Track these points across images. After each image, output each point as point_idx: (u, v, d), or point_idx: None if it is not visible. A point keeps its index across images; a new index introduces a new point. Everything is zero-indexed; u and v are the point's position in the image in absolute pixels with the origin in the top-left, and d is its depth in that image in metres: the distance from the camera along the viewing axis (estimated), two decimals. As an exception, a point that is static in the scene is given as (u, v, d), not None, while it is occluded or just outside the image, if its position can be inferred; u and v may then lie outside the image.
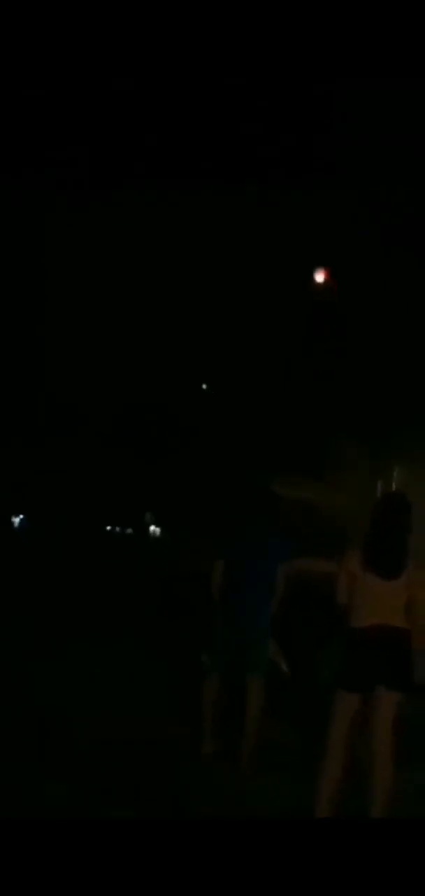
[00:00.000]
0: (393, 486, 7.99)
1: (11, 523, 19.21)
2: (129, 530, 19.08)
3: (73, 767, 4.03)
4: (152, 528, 19.18)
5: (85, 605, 7.86)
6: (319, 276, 12.12)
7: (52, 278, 12.99)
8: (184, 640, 6.14)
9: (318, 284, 12.08)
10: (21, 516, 19.14)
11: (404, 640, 3.75)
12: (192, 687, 4.90)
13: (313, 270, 11.95)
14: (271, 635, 4.86)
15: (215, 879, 2.40)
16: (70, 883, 2.32)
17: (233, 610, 4.68)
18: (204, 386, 16.34)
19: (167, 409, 16.04)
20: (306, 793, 3.82)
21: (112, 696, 5.21)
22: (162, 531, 18.78)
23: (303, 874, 2.45)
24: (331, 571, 4.11)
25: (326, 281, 12.07)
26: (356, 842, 2.65)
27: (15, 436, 15.70)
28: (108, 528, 18.94)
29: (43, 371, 14.73)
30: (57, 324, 13.65)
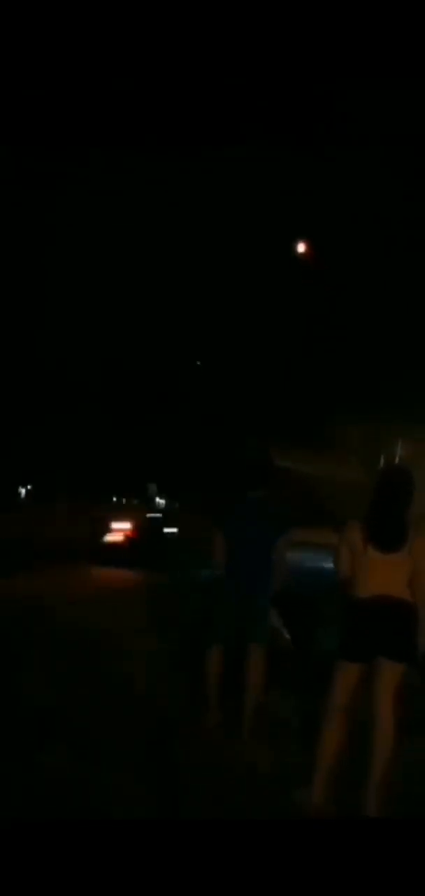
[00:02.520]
0: (397, 460, 7.98)
1: (18, 494, 19.30)
2: (135, 501, 19.21)
3: (73, 734, 4.05)
4: (157, 498, 19.34)
5: (87, 574, 7.93)
6: (301, 247, 12.07)
7: (50, 254, 12.96)
8: (186, 611, 6.19)
9: (306, 253, 12.00)
10: (28, 486, 19.27)
11: (406, 612, 3.74)
12: (194, 657, 4.94)
13: (300, 239, 11.89)
14: (273, 606, 4.89)
15: (215, 880, 2.43)
16: (70, 883, 2.36)
17: (235, 582, 4.70)
18: (198, 363, 16.35)
19: (167, 383, 16.05)
20: (306, 760, 3.86)
21: (111, 664, 5.24)
22: (166, 501, 18.91)
23: (302, 874, 2.47)
24: (330, 543, 4.11)
25: (308, 251, 12.01)
26: (356, 842, 2.66)
27: (19, 408, 15.75)
28: (114, 498, 19.08)
29: (44, 345, 14.76)
30: (55, 297, 13.65)
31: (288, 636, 5.19)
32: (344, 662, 3.81)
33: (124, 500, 19.03)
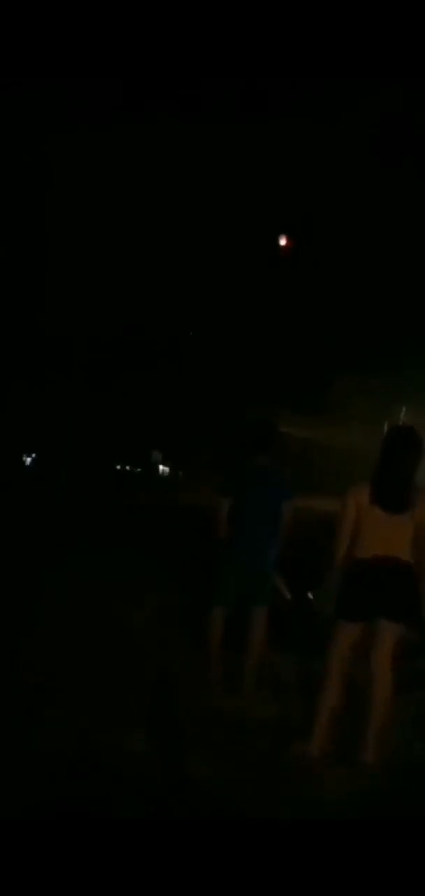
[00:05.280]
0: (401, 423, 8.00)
1: (23, 462, 19.38)
2: (139, 469, 19.29)
3: (76, 688, 4.13)
4: (161, 466, 19.39)
5: (93, 537, 8.02)
6: (283, 241, 12.10)
7: (52, 215, 12.89)
8: (189, 572, 6.28)
9: (287, 246, 12.00)
10: (33, 455, 19.31)
11: (407, 573, 3.79)
12: (196, 616, 5.02)
13: (283, 233, 11.92)
14: (276, 569, 4.96)
15: (215, 879, 2.49)
16: (70, 882, 2.42)
17: (239, 545, 4.77)
18: (190, 333, 16.35)
19: (169, 350, 16.05)
20: (305, 715, 3.95)
21: (113, 620, 5.33)
22: (170, 469, 18.98)
23: (302, 874, 2.53)
24: (332, 508, 4.15)
25: (289, 244, 12.01)
26: (356, 842, 2.73)
27: (22, 375, 15.79)
28: (118, 467, 19.17)
29: (46, 310, 14.73)
30: (57, 264, 13.62)
31: (289, 596, 5.27)
32: (344, 621, 3.88)
33: (127, 468, 19.09)
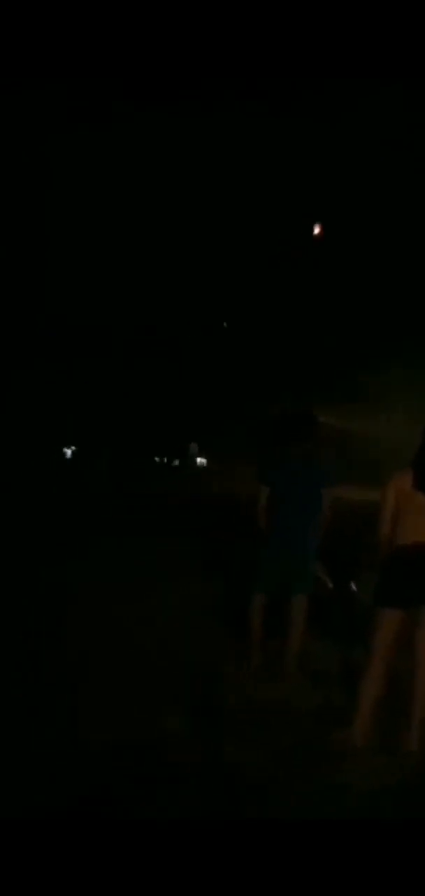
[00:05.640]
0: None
1: (64, 454, 19.58)
2: (176, 462, 19.35)
3: (118, 674, 4.17)
4: (198, 459, 19.42)
5: (132, 526, 8.08)
6: (316, 229, 11.98)
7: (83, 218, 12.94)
8: (230, 560, 6.28)
9: (320, 234, 11.87)
10: (73, 447, 19.53)
11: None
12: (236, 604, 5.03)
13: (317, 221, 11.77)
14: (317, 557, 4.94)
15: (215, 879, 2.50)
16: (72, 882, 2.45)
17: (279, 534, 4.77)
18: (224, 324, 16.27)
19: (204, 342, 16.03)
20: (347, 704, 3.93)
21: (158, 608, 5.37)
22: (208, 461, 18.99)
23: (303, 874, 2.53)
24: (372, 499, 4.10)
25: (321, 232, 11.87)
26: (356, 842, 2.71)
27: (60, 369, 15.96)
28: (156, 458, 19.27)
29: (75, 309, 14.83)
30: (90, 255, 13.68)
31: (331, 585, 5.24)
32: (385, 609, 3.85)
33: (165, 461, 19.16)
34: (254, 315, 15.13)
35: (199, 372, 16.40)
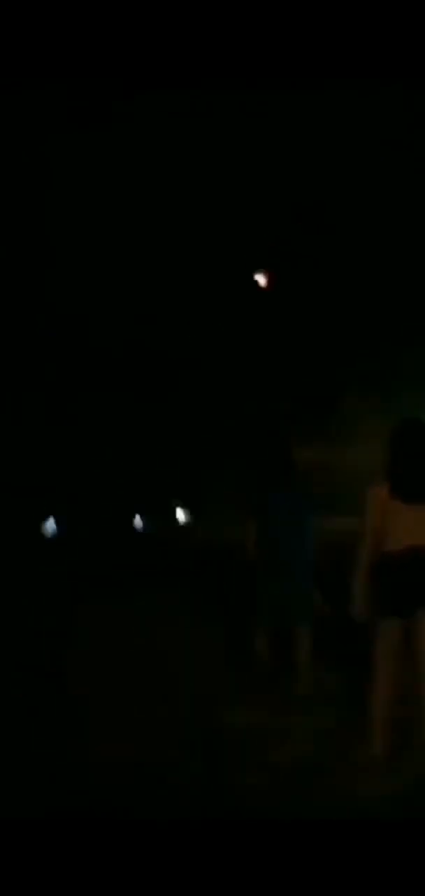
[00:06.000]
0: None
1: (42, 532, 18.45)
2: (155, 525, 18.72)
3: (123, 711, 4.20)
4: (181, 516, 18.92)
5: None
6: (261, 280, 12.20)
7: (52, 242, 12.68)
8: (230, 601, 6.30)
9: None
10: (51, 519, 18.69)
11: None
12: (240, 642, 5.10)
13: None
14: (315, 586, 5.06)
15: (214, 879, 2.55)
16: (73, 882, 2.49)
17: (276, 568, 4.89)
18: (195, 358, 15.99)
19: (169, 387, 15.69)
20: (353, 728, 4.00)
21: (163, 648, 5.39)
22: (190, 516, 18.59)
23: (302, 874, 2.59)
24: (351, 528, 4.22)
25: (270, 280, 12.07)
26: (355, 842, 2.78)
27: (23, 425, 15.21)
28: (136, 520, 18.70)
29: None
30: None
31: (329, 608, 5.34)
32: (385, 619, 3.95)
33: (144, 521, 18.71)
34: (217, 344, 15.07)
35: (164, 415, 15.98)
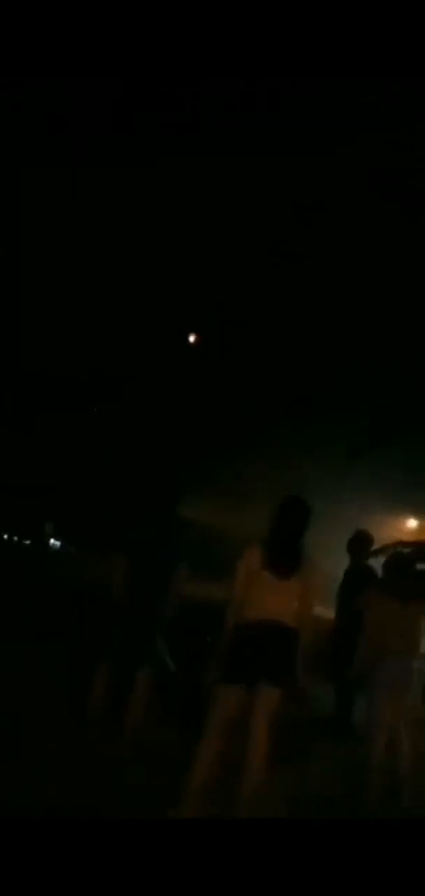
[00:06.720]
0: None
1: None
2: (27, 542, 18.29)
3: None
4: (52, 540, 18.65)
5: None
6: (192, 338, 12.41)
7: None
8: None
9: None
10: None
11: (290, 638, 3.95)
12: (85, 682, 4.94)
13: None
14: (162, 635, 4.99)
15: (214, 880, 2.50)
16: (73, 882, 2.39)
17: (131, 603, 4.78)
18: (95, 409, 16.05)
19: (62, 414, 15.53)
20: (180, 782, 3.94)
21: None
22: (62, 543, 18.27)
23: (302, 874, 2.57)
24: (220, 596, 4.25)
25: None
26: (354, 842, 2.78)
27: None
28: (5, 536, 18.11)
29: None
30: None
31: (172, 667, 5.29)
32: (225, 684, 3.95)
33: (15, 539, 18.16)
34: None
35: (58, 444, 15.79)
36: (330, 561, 6.31)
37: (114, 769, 4.29)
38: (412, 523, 14.39)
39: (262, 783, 3.88)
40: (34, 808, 3.51)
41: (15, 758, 4.08)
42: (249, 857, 2.65)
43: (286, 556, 4.00)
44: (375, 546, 6.26)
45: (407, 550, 5.22)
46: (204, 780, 3.86)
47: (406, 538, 8.35)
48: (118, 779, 4.20)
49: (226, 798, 3.82)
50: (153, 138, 10.25)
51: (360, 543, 6.44)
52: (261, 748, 3.88)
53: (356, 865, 2.67)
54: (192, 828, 2.90)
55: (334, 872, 2.62)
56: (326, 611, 6.34)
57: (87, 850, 2.59)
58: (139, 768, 4.37)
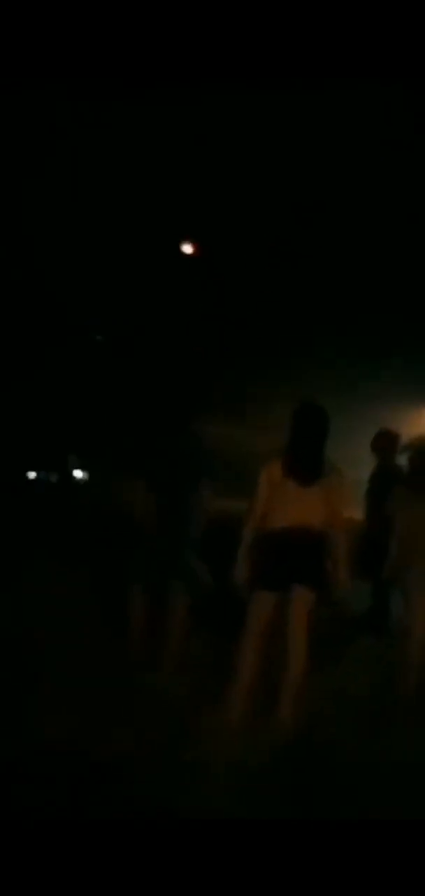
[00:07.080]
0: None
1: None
2: (54, 477, 18.54)
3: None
4: (77, 471, 18.81)
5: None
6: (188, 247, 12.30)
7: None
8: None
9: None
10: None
11: (319, 542, 3.96)
12: (118, 603, 5.00)
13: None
14: (197, 554, 5.01)
15: (212, 879, 2.52)
16: (73, 882, 2.43)
17: (159, 524, 4.80)
18: (98, 337, 16.13)
19: (78, 353, 15.66)
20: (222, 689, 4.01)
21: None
22: (87, 474, 18.44)
23: (302, 874, 2.59)
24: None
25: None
26: (354, 842, 2.79)
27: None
28: (31, 474, 18.37)
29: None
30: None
31: (208, 577, 5.33)
32: (260, 591, 3.99)
33: (42, 475, 18.41)
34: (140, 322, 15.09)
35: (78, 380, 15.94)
36: (361, 468, 6.28)
37: (158, 686, 4.36)
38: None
39: (305, 680, 3.94)
40: (88, 738, 3.54)
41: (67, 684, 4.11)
42: (249, 857, 2.68)
43: (307, 463, 3.97)
44: (402, 443, 6.18)
45: None
46: (247, 683, 3.94)
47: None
48: (164, 694, 4.27)
49: (270, 697, 3.89)
50: (153, 138, 10.03)
51: (386, 442, 6.36)
52: (300, 647, 3.95)
53: (356, 865, 2.69)
54: (192, 828, 2.92)
55: (334, 872, 2.65)
56: (355, 513, 6.33)
57: (88, 851, 2.63)
58: (183, 680, 4.44)
